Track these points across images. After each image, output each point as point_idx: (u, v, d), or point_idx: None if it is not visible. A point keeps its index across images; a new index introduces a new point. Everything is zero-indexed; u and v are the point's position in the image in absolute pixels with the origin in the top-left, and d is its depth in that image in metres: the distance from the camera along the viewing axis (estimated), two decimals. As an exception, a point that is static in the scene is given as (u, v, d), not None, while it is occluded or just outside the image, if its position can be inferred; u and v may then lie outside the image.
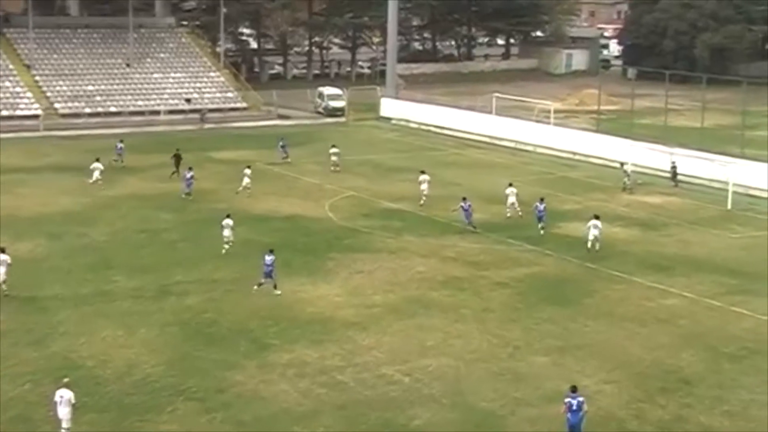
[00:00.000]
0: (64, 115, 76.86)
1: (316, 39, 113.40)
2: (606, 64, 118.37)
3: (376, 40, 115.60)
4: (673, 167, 57.03)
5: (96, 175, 53.47)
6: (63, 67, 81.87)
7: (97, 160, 54.27)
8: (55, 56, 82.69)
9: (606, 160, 62.06)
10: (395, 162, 63.23)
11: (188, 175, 51.46)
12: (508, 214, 47.76)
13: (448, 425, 26.19)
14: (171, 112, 79.62)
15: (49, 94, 78.66)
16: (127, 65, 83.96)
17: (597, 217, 42.52)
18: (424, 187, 50.67)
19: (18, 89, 77.84)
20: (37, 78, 79.91)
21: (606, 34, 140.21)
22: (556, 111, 76.85)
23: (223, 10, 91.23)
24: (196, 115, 78.83)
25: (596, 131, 69.45)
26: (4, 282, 34.92)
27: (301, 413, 26.64)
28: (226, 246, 41.00)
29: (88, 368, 28.92)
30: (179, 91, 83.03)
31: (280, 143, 62.59)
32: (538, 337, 32.23)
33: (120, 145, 60.00)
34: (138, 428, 25.70)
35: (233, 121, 79.70)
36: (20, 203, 49.23)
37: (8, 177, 54.84)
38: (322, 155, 62.36)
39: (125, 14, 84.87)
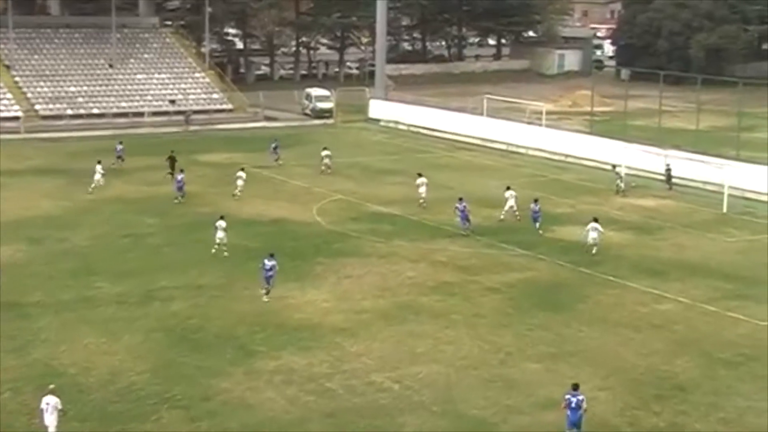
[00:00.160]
0: (45, 117, 76.69)
1: (304, 39, 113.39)
2: (599, 64, 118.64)
3: (364, 40, 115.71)
4: (668, 170, 57.17)
5: (97, 177, 53.42)
6: (44, 67, 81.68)
7: (99, 162, 54.21)
8: (35, 57, 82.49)
9: (599, 162, 62.20)
10: (384, 165, 63.29)
11: (179, 178, 51.62)
12: (502, 217, 47.88)
13: (438, 433, 26.24)
14: (155, 113, 79.48)
15: (29, 95, 78.45)
16: (110, 66, 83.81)
17: (596, 220, 42.94)
18: (422, 190, 50.88)
19: (-2, 90, 77.76)
20: (17, 79, 79.68)
21: (599, 34, 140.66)
22: (549, 112, 77.02)
23: (208, 9, 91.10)
24: (181, 117, 78.73)
25: (589, 133, 69.65)
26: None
27: (288, 421, 26.64)
28: (218, 247, 41.08)
29: (70, 376, 28.86)
30: (163, 92, 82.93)
31: (273, 144, 62.64)
32: (530, 344, 32.29)
33: (119, 146, 60.22)
34: (122, 437, 25.71)
35: (219, 123, 79.65)
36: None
37: (-12, 180, 54.74)
38: (309, 158, 62.39)
39: (108, 14, 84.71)
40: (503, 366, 30.46)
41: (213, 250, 41.04)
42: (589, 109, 75.97)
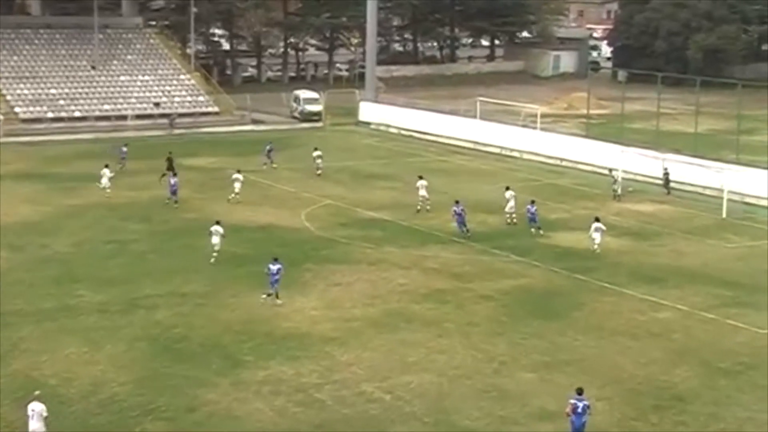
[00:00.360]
0: (25, 120, 76.55)
1: (292, 40, 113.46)
2: (595, 66, 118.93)
3: (354, 41, 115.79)
4: (666, 174, 57.30)
5: (104, 181, 53.40)
6: (24, 69, 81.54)
7: (106, 166, 54.20)
8: (15, 58, 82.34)
9: (595, 166, 62.27)
10: (374, 169, 63.33)
11: (173, 182, 51.73)
12: (509, 221, 48.30)
13: (431, 445, 26.28)
14: (139, 116, 79.45)
15: (9, 97, 78.29)
16: (92, 67, 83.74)
17: (598, 220, 43.99)
18: (423, 192, 51.06)
19: (-24, 93, 77.65)
20: (-4, 81, 79.73)
21: (595, 34, 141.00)
22: (543, 115, 77.09)
23: (194, 9, 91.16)
24: (165, 120, 78.70)
25: (585, 136, 69.72)
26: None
27: (276, 433, 26.66)
28: (215, 255, 41.17)
29: (51, 387, 28.76)
30: (147, 94, 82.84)
31: (267, 147, 62.78)
32: (524, 352, 32.32)
33: (124, 148, 60.38)
34: (104, 450, 25.69)
35: (204, 126, 79.64)
36: (-21, 213, 49.04)
37: (-34, 185, 54.63)
38: (298, 161, 62.40)
39: (90, 13, 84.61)
40: (497, 375, 30.49)
41: (212, 260, 41.05)
42: (585, 111, 76.12)
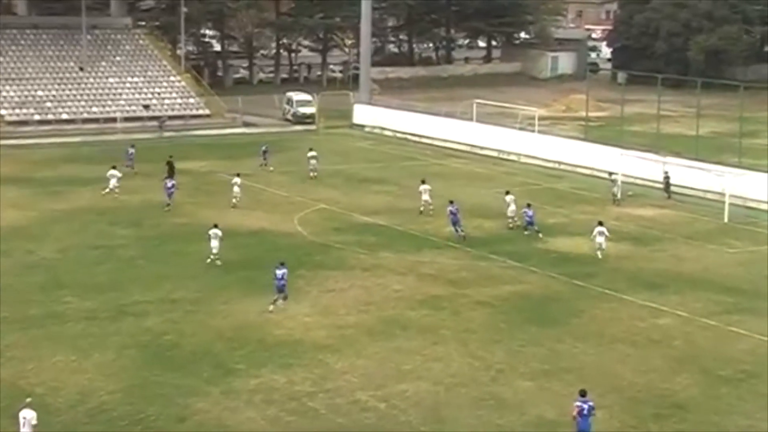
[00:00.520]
0: (11, 123, 76.54)
1: (284, 41, 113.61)
2: (594, 67, 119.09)
3: (348, 42, 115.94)
4: (666, 178, 57.36)
5: (113, 183, 53.44)
6: (10, 70, 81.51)
7: (114, 167, 54.20)
8: (0, 59, 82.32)
9: (595, 170, 62.38)
10: (369, 173, 63.36)
11: (169, 185, 51.80)
12: (510, 225, 48.45)
13: (426, 455, 26.30)
14: (128, 119, 79.45)
15: (-5, 100, 78.45)
16: (80, 69, 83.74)
17: (601, 223, 44.16)
18: (426, 197, 51.22)
19: (-39, 95, 77.63)
20: (-18, 83, 79.72)
21: (594, 35, 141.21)
22: (541, 118, 77.23)
23: (184, 9, 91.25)
24: (155, 123, 78.71)
25: (584, 139, 69.83)
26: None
27: (268, 443, 26.67)
28: (213, 257, 41.35)
29: (38, 396, 28.64)
30: (137, 96, 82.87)
31: (263, 148, 62.99)
32: (522, 360, 32.34)
33: (131, 150, 60.48)
34: (92, 460, 25.67)
35: (195, 129, 79.68)
36: (-36, 218, 49.01)
37: (-49, 190, 54.59)
38: (291, 165, 62.41)
39: (77, 14, 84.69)
40: (494, 384, 30.50)
41: (216, 262, 41.23)
42: (583, 114, 76.19)
